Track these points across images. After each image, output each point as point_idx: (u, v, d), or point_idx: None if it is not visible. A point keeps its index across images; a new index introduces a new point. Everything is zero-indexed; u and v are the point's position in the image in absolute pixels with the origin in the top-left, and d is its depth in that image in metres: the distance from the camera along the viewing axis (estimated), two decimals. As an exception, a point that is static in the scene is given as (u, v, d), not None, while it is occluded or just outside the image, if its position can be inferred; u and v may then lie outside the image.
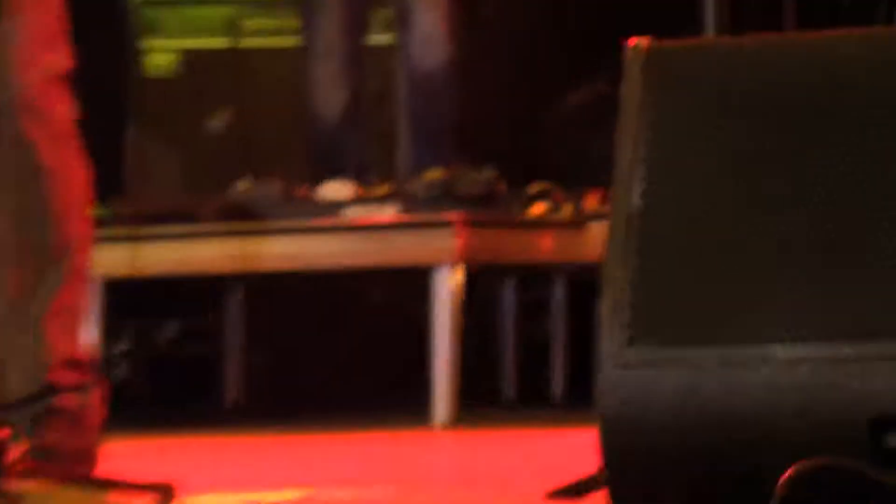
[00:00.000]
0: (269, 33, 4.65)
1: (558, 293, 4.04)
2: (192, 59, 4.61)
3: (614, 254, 1.46)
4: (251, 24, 4.67)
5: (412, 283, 3.70)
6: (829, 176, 1.43)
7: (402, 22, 4.02)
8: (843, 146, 1.43)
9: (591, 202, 3.75)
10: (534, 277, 4.15)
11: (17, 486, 1.68)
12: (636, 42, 1.56)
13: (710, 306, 1.43)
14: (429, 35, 3.96)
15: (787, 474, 1.31)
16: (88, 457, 1.83)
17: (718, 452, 1.35)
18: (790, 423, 1.35)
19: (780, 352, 1.36)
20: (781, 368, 1.36)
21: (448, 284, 3.41)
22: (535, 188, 3.76)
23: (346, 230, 3.60)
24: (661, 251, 1.46)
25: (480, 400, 3.66)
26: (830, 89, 1.47)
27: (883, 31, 1.74)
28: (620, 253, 1.45)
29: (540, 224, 3.71)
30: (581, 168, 4.08)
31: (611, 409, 1.39)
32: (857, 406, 1.34)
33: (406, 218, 3.56)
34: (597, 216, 3.51)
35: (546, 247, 3.75)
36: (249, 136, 4.63)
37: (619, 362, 1.40)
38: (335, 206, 3.63)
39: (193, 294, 4.13)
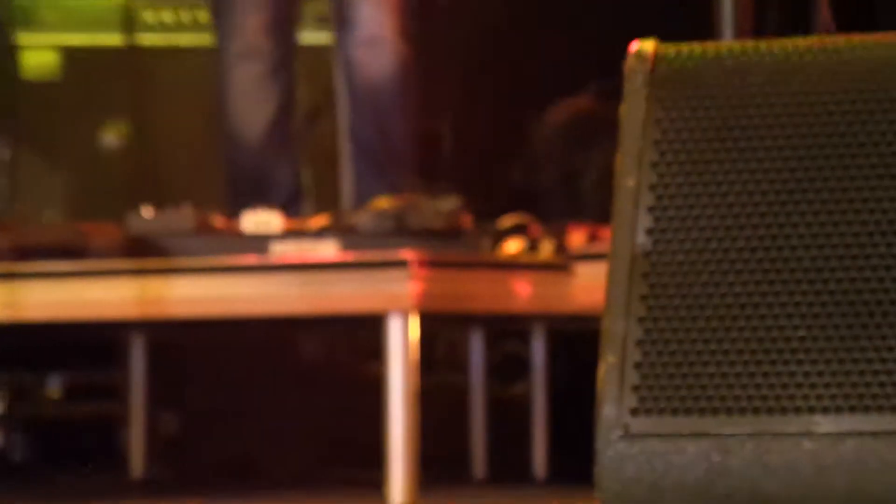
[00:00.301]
0: (173, 28, 4.53)
1: (537, 348, 4.03)
2: (78, 59, 4.49)
3: (616, 302, 1.48)
4: (150, 16, 4.53)
5: (356, 335, 3.69)
6: (873, 216, 1.46)
7: (340, 17, 3.92)
8: (889, 176, 1.47)
9: (577, 239, 3.72)
10: (507, 329, 4.15)
11: None
12: (639, 46, 1.59)
13: (735, 368, 1.45)
14: (374, 34, 3.87)
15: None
16: None
17: None
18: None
19: (824, 424, 1.38)
20: (826, 443, 1.38)
21: (401, 337, 3.36)
22: (507, 221, 3.73)
23: (274, 270, 3.55)
24: (675, 299, 1.48)
25: (445, 477, 3.63)
26: (873, 105, 1.50)
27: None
28: (623, 301, 1.46)
29: (514, 265, 3.69)
30: (565, 198, 4.03)
31: (613, 492, 1.42)
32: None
33: (349, 256, 3.51)
34: (584, 256, 3.50)
35: (522, 292, 3.73)
36: (152, 153, 4.51)
37: (625, 434, 1.42)
38: (260, 241, 3.58)
39: (85, 344, 4.07)
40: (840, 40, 1.63)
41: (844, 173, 1.47)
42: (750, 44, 1.67)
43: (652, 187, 1.49)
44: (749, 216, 1.50)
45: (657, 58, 1.53)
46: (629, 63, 1.57)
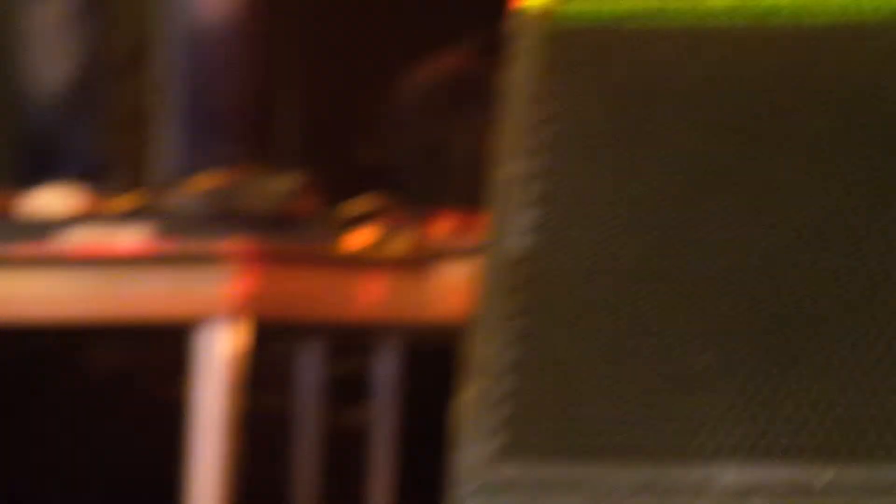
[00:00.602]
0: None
1: (385, 365, 3.93)
2: None
3: (485, 315, 1.52)
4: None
5: (166, 345, 3.59)
6: (800, 215, 1.50)
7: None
8: (818, 171, 1.51)
9: (443, 229, 3.66)
10: (349, 341, 4.04)
11: None
12: (525, 1, 1.59)
13: (625, 405, 1.47)
14: None
15: None
16: None
17: None
18: None
19: (728, 474, 1.41)
20: (728, 498, 1.42)
21: (220, 349, 3.26)
22: (359, 205, 3.65)
23: (67, 263, 3.41)
24: (558, 316, 1.52)
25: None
26: (803, 81, 1.54)
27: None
28: (495, 314, 1.51)
29: (362, 261, 3.58)
30: (430, 177, 3.98)
31: None
32: None
33: (161, 247, 3.36)
34: (448, 252, 3.44)
35: (370, 296, 3.61)
36: None
37: (487, 481, 1.48)
38: (49, 227, 3.44)
39: None
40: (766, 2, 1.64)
41: (768, 164, 1.52)
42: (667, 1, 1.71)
43: (537, 176, 1.52)
44: (654, 216, 1.53)
45: (550, 15, 1.56)
46: (514, 20, 1.59)
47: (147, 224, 3.41)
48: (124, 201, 3.55)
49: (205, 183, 3.53)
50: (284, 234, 3.49)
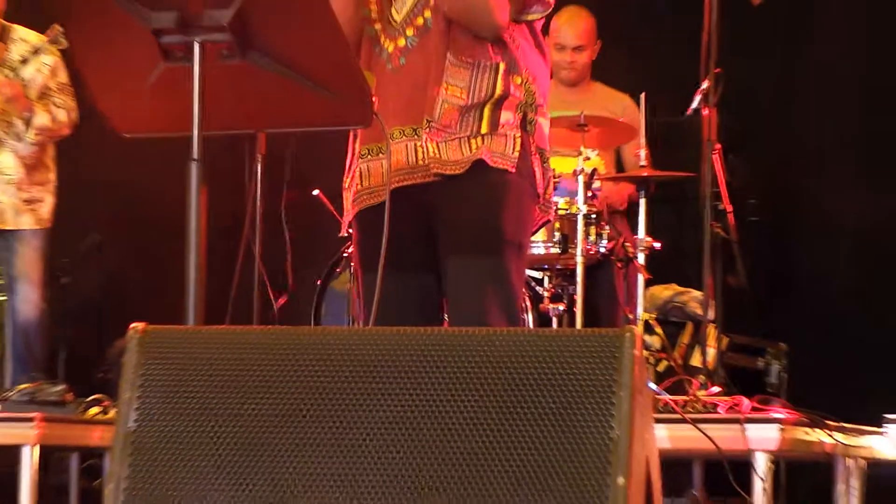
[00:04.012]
0: None
1: None
2: None
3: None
4: None
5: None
6: (265, 423, 2.22)
7: None
8: (304, 409, 2.24)
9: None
10: None
11: None
12: (134, 326, 2.31)
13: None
14: None
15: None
16: None
17: None
18: None
19: None
20: None
21: None
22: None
23: None
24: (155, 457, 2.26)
25: None
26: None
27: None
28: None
29: None
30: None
31: None
32: None
33: None
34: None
35: None
36: None
37: None
38: None
39: None
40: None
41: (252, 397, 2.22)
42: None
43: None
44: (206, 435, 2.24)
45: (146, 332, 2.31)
46: (129, 334, 2.30)
47: None
48: None
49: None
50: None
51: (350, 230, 3.57)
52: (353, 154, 3.48)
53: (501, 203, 3.33)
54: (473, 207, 3.32)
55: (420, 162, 3.33)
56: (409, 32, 3.35)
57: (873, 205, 6.00)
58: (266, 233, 5.28)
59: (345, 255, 5.39)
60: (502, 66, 3.32)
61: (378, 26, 3.37)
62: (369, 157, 3.42)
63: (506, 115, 3.32)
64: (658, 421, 4.14)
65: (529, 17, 3.35)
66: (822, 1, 6.18)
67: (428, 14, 3.31)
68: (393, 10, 3.36)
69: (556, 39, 5.68)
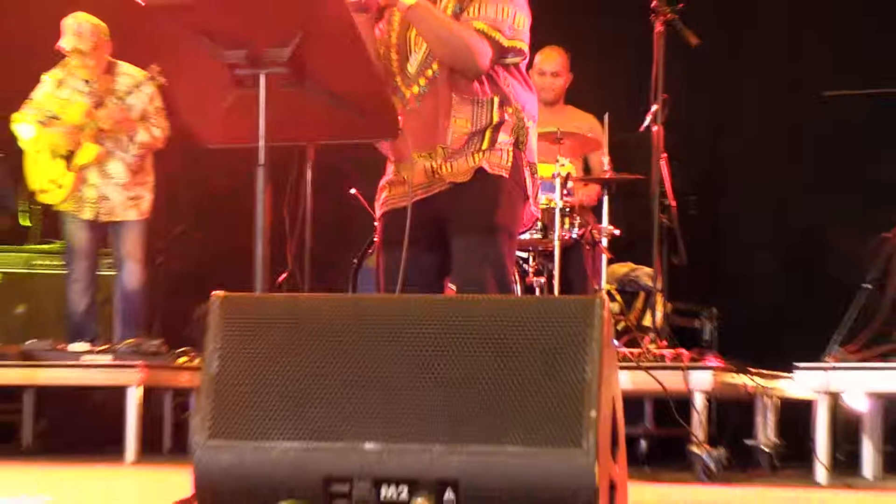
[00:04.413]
0: None
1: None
2: None
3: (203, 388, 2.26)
4: None
5: None
6: (335, 368, 2.22)
7: None
8: (349, 358, 2.25)
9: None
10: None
11: None
12: (216, 294, 2.32)
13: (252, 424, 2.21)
14: None
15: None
16: None
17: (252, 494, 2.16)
18: (287, 478, 2.14)
19: (278, 446, 2.17)
20: (279, 454, 2.17)
21: None
22: None
23: None
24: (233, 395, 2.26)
25: None
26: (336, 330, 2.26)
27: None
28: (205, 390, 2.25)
29: None
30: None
31: (201, 466, 2.22)
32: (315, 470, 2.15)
33: None
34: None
35: None
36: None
37: (202, 447, 2.23)
38: None
39: None
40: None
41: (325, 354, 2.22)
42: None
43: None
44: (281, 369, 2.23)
45: (225, 298, 2.33)
46: (212, 300, 2.31)
47: None
48: None
49: None
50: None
51: (376, 222, 3.56)
52: (386, 171, 3.50)
53: (497, 200, 3.34)
54: (476, 202, 3.33)
55: (436, 177, 3.35)
56: (422, 82, 3.37)
57: (783, 201, 6.00)
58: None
59: (373, 240, 5.33)
60: (496, 100, 3.34)
61: (398, 78, 3.38)
62: (395, 173, 3.44)
63: (502, 136, 3.35)
64: (619, 368, 4.13)
65: (509, 62, 3.36)
66: (748, 43, 6.13)
67: (435, 66, 3.34)
68: (408, 65, 3.37)
69: (538, 67, 5.68)
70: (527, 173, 3.40)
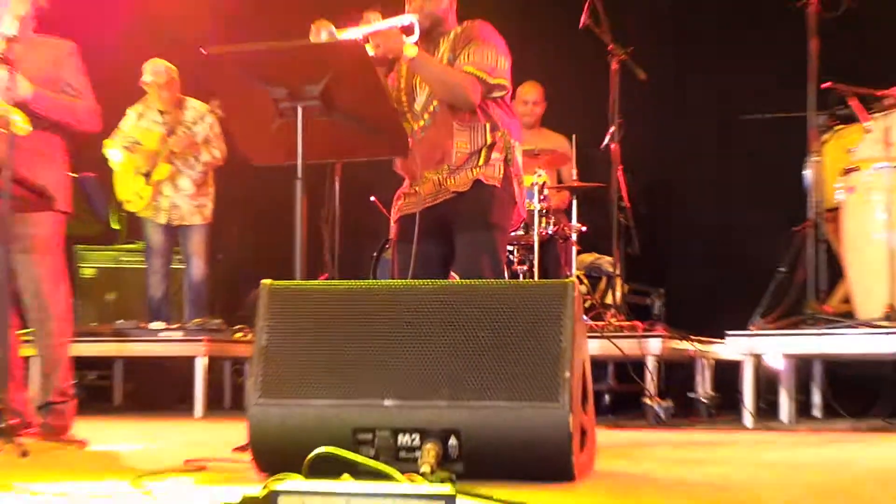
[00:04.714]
0: None
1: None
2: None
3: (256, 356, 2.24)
4: None
5: None
6: (369, 344, 2.22)
7: None
8: (371, 331, 2.26)
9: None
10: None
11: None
12: (265, 282, 2.33)
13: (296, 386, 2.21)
14: None
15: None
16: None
17: (294, 442, 2.11)
18: (323, 429, 2.14)
19: (315, 404, 2.20)
20: (316, 409, 2.18)
21: None
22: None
23: None
24: (278, 362, 2.27)
25: None
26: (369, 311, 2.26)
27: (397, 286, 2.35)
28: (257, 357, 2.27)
29: None
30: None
31: (254, 420, 2.23)
32: (345, 423, 2.13)
33: None
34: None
35: None
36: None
37: (255, 405, 2.25)
38: None
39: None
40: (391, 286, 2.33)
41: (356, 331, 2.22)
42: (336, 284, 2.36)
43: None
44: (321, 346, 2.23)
45: (272, 285, 2.35)
46: (262, 287, 2.33)
47: None
48: None
49: None
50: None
51: (392, 224, 3.55)
52: (403, 185, 3.51)
53: (491, 204, 3.34)
54: (474, 207, 3.33)
55: (441, 188, 3.33)
56: (426, 116, 3.37)
57: (716, 202, 6.01)
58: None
59: (389, 238, 5.31)
60: (488, 126, 3.34)
61: (408, 115, 3.38)
62: (409, 186, 3.44)
63: (495, 154, 3.35)
64: (588, 338, 4.12)
65: (495, 95, 3.36)
66: (685, 77, 6.14)
67: (436, 103, 3.34)
68: (415, 105, 3.38)
69: (521, 98, 5.66)
70: (515, 183, 3.38)
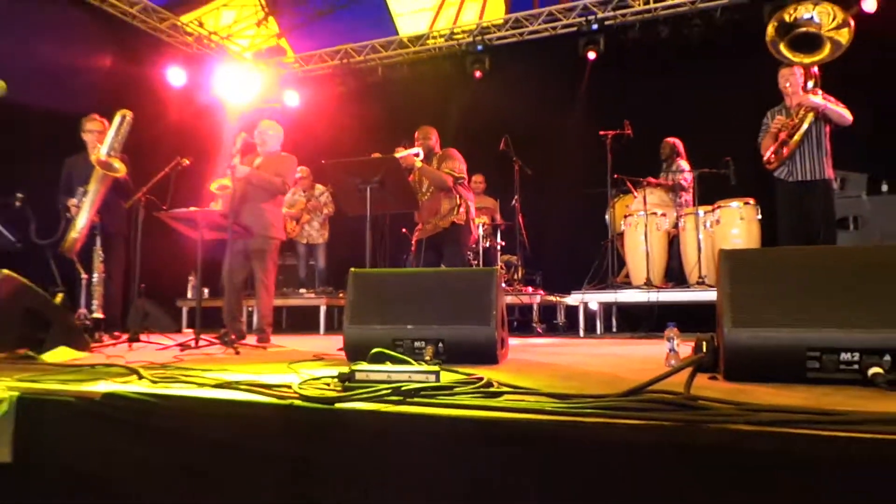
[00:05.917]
0: None
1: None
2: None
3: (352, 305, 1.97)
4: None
5: None
6: None
7: None
8: (402, 291, 1.93)
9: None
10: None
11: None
12: (352, 270, 2.02)
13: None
14: None
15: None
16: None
17: (364, 346, 1.80)
18: (376, 341, 1.83)
19: (374, 327, 1.90)
20: (372, 330, 1.91)
21: None
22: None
23: None
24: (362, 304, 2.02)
25: None
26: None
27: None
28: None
29: None
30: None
31: (347, 334, 1.88)
32: (387, 337, 1.84)
33: None
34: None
35: None
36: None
37: (349, 327, 1.95)
38: None
39: None
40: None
41: None
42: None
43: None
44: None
45: (356, 272, 2.10)
46: (350, 273, 2.01)
47: None
48: None
49: None
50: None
51: (412, 243, 3.53)
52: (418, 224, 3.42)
53: (460, 234, 3.36)
54: (452, 236, 3.33)
55: (436, 228, 3.29)
56: (427, 193, 3.34)
57: (568, 233, 5.66)
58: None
59: (411, 250, 5.22)
60: (458, 197, 3.33)
61: (419, 194, 3.36)
62: (421, 226, 3.37)
63: (461, 210, 3.36)
64: (505, 295, 4.07)
65: (459, 182, 3.36)
66: (555, 171, 5.66)
67: (432, 188, 3.31)
68: (422, 187, 3.36)
69: (474, 181, 5.41)
70: (471, 224, 3.37)
